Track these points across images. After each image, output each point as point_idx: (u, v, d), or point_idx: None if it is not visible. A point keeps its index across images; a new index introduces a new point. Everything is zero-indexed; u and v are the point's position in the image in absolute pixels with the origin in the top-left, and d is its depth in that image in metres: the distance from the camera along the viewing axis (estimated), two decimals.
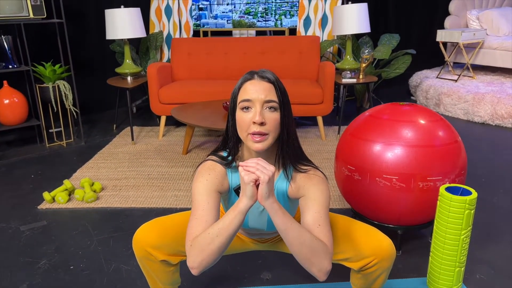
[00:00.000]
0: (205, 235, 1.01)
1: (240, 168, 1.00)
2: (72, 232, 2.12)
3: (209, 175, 1.15)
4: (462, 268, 1.57)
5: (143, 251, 1.27)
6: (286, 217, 1.01)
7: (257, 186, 1.00)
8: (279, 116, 1.10)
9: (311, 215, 1.09)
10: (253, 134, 1.08)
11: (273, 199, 1.00)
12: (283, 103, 1.11)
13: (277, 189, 1.19)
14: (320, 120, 3.44)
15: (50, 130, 3.64)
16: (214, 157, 1.20)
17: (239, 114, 1.11)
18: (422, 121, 1.72)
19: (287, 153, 1.14)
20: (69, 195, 2.50)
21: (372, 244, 1.21)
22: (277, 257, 1.87)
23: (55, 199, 2.42)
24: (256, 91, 1.08)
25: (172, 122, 4.00)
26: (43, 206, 2.39)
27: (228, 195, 1.23)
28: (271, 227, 1.28)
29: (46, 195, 2.41)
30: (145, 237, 1.26)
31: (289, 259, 1.85)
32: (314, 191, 1.12)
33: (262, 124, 1.07)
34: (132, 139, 3.43)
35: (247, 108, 1.09)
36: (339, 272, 1.73)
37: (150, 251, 1.26)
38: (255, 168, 0.98)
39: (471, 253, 1.87)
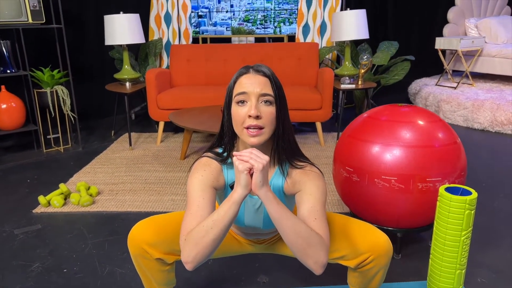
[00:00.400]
0: (200, 228, 0.99)
1: (234, 158, 0.98)
2: (67, 235, 2.09)
3: (204, 171, 1.13)
4: (463, 271, 1.53)
5: (139, 248, 1.24)
6: (280, 206, 0.99)
7: (252, 176, 0.98)
8: (275, 110, 1.08)
9: (307, 209, 1.07)
10: (249, 128, 1.06)
11: (267, 188, 0.99)
12: (279, 97, 1.09)
13: (273, 185, 1.17)
14: (319, 126, 3.43)
15: (48, 136, 3.62)
16: (209, 154, 1.18)
17: (234, 108, 1.09)
18: (421, 122, 1.70)
19: (282, 148, 1.12)
20: (65, 199, 2.47)
21: (369, 240, 1.19)
22: (274, 260, 1.84)
23: (51, 203, 2.39)
24: (252, 84, 1.07)
25: (171, 128, 3.98)
26: (38, 210, 2.36)
27: (223, 192, 1.20)
28: (268, 225, 1.25)
29: (41, 199, 2.38)
30: (141, 234, 1.24)
31: (286, 262, 1.81)
32: (310, 186, 1.10)
33: (257, 117, 1.06)
34: (130, 145, 3.41)
35: (242, 102, 1.08)
36: (339, 274, 1.70)
37: (145, 249, 1.24)
38: (248, 157, 0.97)
39: (472, 256, 1.84)
